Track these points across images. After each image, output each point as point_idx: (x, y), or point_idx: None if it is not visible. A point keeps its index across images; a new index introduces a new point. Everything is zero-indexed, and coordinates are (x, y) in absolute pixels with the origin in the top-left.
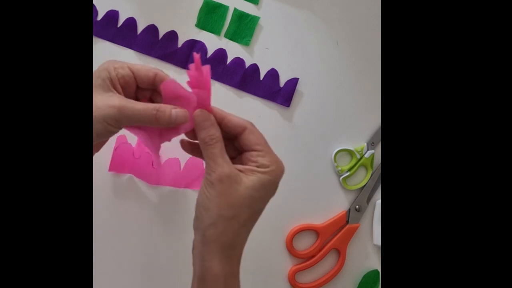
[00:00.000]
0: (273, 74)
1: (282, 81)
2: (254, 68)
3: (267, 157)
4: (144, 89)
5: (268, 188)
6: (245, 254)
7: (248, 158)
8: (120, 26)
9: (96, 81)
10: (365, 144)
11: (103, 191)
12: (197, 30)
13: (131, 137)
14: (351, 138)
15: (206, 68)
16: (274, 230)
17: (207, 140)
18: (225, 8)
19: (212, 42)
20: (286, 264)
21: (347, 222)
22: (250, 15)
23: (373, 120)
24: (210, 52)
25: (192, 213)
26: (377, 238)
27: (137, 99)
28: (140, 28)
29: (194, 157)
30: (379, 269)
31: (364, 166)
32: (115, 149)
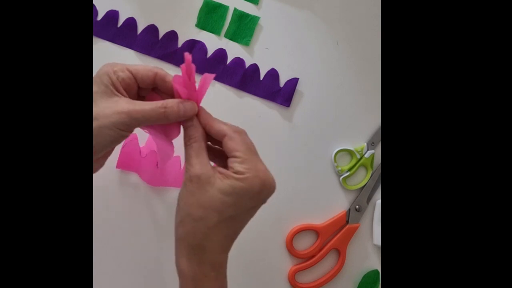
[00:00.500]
0: (273, 74)
1: (282, 81)
2: (254, 68)
3: (245, 164)
4: (145, 88)
5: (241, 195)
6: (245, 254)
7: (228, 163)
8: (120, 26)
9: (99, 87)
10: (365, 144)
11: (103, 191)
12: (197, 30)
13: (140, 135)
14: (351, 138)
15: (189, 63)
16: (274, 230)
17: (185, 139)
18: (225, 8)
19: (212, 42)
20: (286, 264)
21: (347, 222)
22: (250, 15)
23: (373, 120)
24: (210, 52)
25: None
26: (377, 238)
27: (140, 98)
28: (140, 28)
29: None
30: (379, 269)
31: (364, 166)
32: (123, 146)
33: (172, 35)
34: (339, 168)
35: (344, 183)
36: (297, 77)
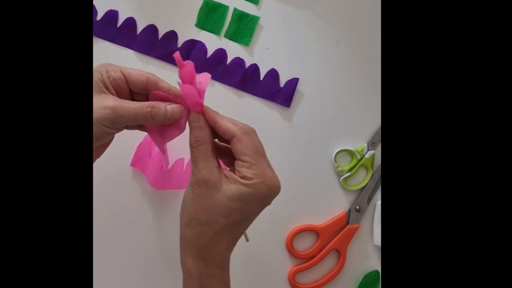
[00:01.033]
0: (273, 74)
1: (282, 81)
2: (254, 68)
3: (253, 169)
4: (139, 93)
5: (248, 201)
6: (245, 255)
7: (236, 167)
8: (120, 26)
9: None
10: (366, 144)
11: (103, 191)
12: (197, 30)
13: None
14: (351, 139)
15: (190, 66)
16: (274, 230)
17: (191, 142)
18: (225, 8)
19: (212, 42)
20: (286, 264)
21: (348, 222)
22: (250, 15)
23: (374, 120)
24: (210, 52)
25: None
26: (378, 239)
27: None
28: (140, 28)
29: None
30: (379, 270)
31: (364, 166)
32: (139, 145)
33: (171, 35)
34: (340, 169)
35: (344, 184)
36: (297, 77)
